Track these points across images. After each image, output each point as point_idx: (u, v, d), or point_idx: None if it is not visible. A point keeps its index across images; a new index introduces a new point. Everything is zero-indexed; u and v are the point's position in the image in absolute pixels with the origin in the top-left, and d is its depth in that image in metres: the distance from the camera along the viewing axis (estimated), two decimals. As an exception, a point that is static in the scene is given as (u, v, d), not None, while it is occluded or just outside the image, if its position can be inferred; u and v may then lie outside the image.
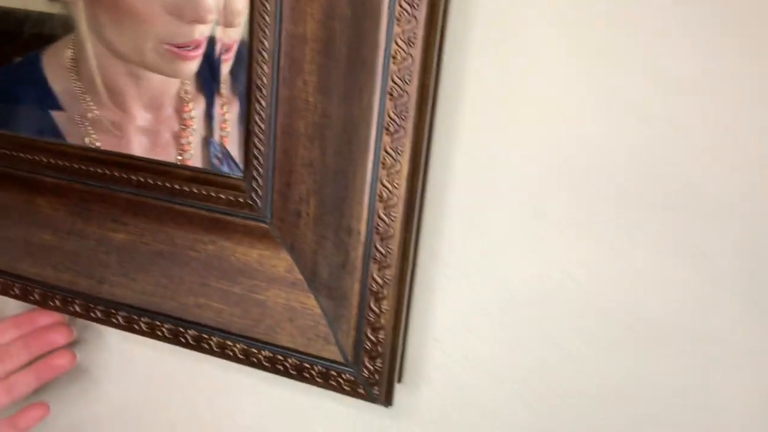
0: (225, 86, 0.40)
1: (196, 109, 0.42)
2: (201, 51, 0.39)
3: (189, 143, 0.42)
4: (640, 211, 0.33)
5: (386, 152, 0.33)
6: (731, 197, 0.31)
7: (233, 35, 0.38)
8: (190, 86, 0.41)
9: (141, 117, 0.42)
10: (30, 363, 0.44)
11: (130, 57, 0.41)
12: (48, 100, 0.44)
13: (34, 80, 0.44)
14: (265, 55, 0.36)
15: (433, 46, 0.31)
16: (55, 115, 0.44)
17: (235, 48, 0.38)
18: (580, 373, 0.37)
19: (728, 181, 0.31)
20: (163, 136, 0.42)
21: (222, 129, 0.41)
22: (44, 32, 0.43)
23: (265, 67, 0.36)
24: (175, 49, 0.39)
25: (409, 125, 0.32)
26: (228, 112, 0.40)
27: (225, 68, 0.39)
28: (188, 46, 0.39)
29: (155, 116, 0.42)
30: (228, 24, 0.38)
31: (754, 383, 0.33)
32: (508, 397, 0.39)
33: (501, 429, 0.39)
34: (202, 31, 0.38)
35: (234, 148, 0.41)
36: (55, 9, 0.42)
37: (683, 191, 0.32)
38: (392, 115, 0.32)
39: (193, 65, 0.40)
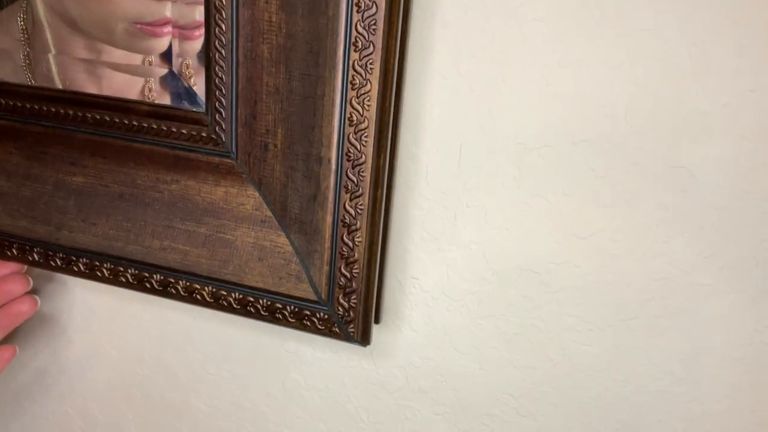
0: (193, 60, 0.37)
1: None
2: (170, 27, 0.37)
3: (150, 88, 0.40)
4: (621, 165, 0.31)
5: (355, 71, 0.31)
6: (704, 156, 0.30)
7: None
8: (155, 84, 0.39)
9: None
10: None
11: (96, 35, 0.38)
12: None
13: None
14: (222, 44, 0.33)
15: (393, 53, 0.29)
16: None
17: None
18: (562, 307, 0.35)
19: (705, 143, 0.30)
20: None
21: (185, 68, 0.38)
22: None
23: (222, 53, 0.34)
24: (147, 27, 0.37)
25: (379, 40, 0.30)
26: (194, 76, 0.38)
27: (197, 45, 0.37)
28: (159, 23, 0.37)
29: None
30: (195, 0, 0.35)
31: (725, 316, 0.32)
32: (488, 334, 0.37)
33: (482, 368, 0.38)
34: (171, 9, 0.36)
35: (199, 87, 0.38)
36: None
37: (665, 156, 0.31)
38: (360, 29, 0.30)
39: (164, 41, 0.38)
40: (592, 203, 0.33)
